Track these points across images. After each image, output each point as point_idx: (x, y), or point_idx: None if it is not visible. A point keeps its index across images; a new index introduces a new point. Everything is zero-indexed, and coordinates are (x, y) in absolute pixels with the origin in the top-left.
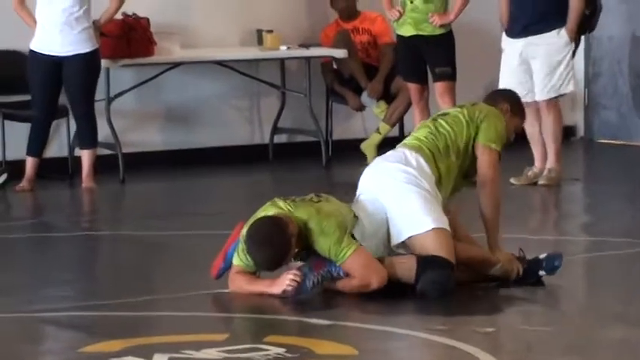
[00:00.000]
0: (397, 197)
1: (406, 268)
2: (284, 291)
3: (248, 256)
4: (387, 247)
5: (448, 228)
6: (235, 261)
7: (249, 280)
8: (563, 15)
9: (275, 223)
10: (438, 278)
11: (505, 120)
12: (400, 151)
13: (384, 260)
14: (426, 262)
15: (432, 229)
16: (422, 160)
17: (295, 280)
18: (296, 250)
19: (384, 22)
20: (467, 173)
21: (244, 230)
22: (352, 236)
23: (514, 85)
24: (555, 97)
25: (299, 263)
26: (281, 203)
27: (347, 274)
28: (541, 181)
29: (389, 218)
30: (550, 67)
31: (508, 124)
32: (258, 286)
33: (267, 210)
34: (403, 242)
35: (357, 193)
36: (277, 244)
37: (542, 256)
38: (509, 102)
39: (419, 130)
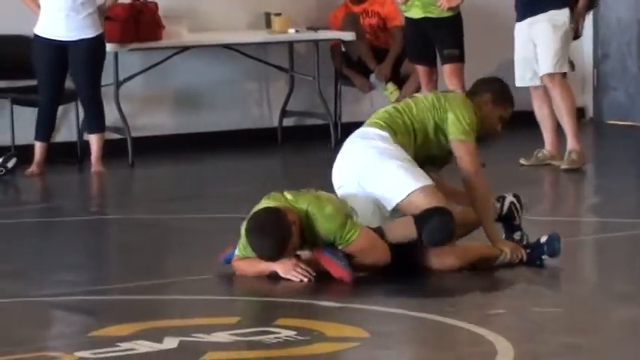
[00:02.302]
0: (374, 172)
1: (406, 227)
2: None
3: (247, 248)
4: (386, 216)
5: (431, 182)
6: (237, 251)
7: (250, 263)
8: None
9: (273, 212)
10: (439, 224)
11: (486, 110)
12: (358, 132)
13: (383, 231)
14: (423, 216)
15: (415, 189)
16: (383, 133)
17: (304, 275)
18: (299, 242)
19: (393, 4)
20: (434, 161)
21: (244, 224)
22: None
23: (526, 70)
24: (555, 74)
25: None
26: (278, 195)
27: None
28: (563, 166)
29: (374, 195)
30: (549, 40)
31: (490, 114)
32: (261, 265)
33: (266, 203)
34: (395, 209)
35: (335, 187)
36: (277, 232)
37: (543, 239)
38: (492, 91)
39: (377, 112)
